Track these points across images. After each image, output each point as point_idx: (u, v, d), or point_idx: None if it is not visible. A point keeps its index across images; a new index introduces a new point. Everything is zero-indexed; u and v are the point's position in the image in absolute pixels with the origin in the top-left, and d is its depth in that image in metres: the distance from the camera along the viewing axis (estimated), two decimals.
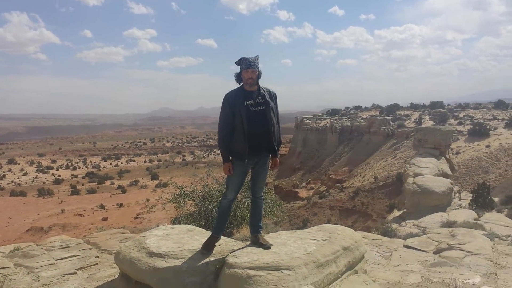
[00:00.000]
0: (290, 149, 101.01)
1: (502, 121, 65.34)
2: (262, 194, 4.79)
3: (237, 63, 4.43)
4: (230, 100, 4.37)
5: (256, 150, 4.41)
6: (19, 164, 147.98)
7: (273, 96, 4.56)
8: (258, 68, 4.37)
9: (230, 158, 4.43)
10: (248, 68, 4.32)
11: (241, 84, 4.46)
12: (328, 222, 41.76)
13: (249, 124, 4.30)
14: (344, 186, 59.46)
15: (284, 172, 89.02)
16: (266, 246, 4.45)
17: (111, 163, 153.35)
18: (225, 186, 4.76)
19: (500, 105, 79.85)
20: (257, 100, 4.40)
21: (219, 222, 4.70)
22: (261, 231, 4.70)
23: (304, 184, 75.55)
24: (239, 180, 4.59)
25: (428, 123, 68.03)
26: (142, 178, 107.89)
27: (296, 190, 68.39)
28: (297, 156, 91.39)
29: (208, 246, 4.51)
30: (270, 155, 4.60)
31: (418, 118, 75.08)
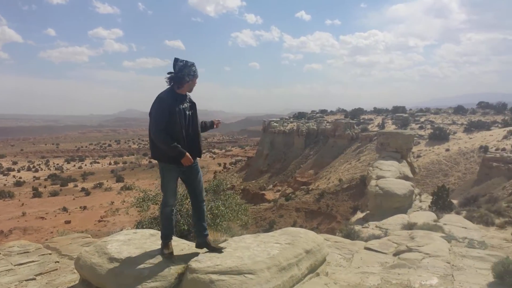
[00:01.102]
0: (257, 151, 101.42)
1: (461, 126, 67.78)
2: (204, 197, 4.77)
3: (182, 67, 4.29)
4: (169, 102, 4.26)
5: (190, 153, 4.38)
6: None
7: (193, 99, 4.59)
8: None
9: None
10: (196, 78, 4.39)
11: (172, 85, 4.36)
12: (294, 224, 42.16)
13: (186, 128, 4.34)
14: (310, 188, 60.22)
15: (251, 174, 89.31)
16: (219, 250, 4.48)
17: (74, 165, 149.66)
18: (163, 194, 4.65)
19: (459, 110, 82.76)
20: (188, 104, 4.43)
21: (167, 229, 4.61)
22: (208, 234, 4.72)
23: (271, 186, 75.96)
24: (175, 185, 4.59)
25: (390, 127, 69.86)
26: (107, 181, 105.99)
27: (263, 192, 68.70)
28: (264, 159, 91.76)
29: (167, 251, 4.48)
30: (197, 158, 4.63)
31: (381, 122, 76.99)
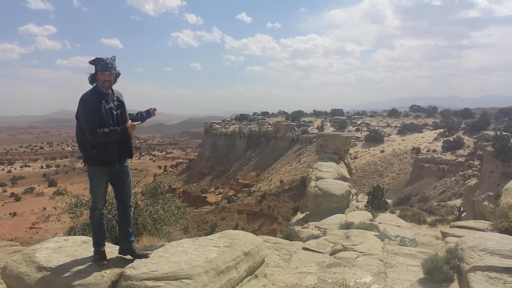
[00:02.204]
0: (199, 154, 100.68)
1: (395, 128, 71.12)
2: (131, 202, 4.66)
3: (92, 63, 4.17)
4: (93, 102, 4.09)
5: (120, 156, 4.29)
6: None
7: (122, 97, 4.41)
8: (116, 70, 4.20)
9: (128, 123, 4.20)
10: (105, 71, 4.11)
11: (95, 85, 4.22)
12: (236, 226, 42.26)
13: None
14: (252, 190, 60.60)
15: (193, 177, 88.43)
16: (146, 256, 4.40)
17: (3, 169, 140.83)
18: (92, 197, 4.50)
19: (393, 113, 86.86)
20: (115, 102, 4.26)
21: (97, 234, 4.43)
22: (133, 241, 4.62)
23: (213, 189, 75.64)
24: (105, 188, 4.43)
25: (329, 129, 71.94)
26: (39, 185, 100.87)
27: (205, 195, 68.28)
28: (206, 161, 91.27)
29: (100, 258, 4.31)
30: (129, 160, 4.52)
31: (320, 124, 79.09)
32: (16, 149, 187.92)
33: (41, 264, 4.27)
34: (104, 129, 4.04)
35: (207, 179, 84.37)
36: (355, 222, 13.92)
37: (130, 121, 4.21)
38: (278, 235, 12.83)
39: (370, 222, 13.91)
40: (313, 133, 69.41)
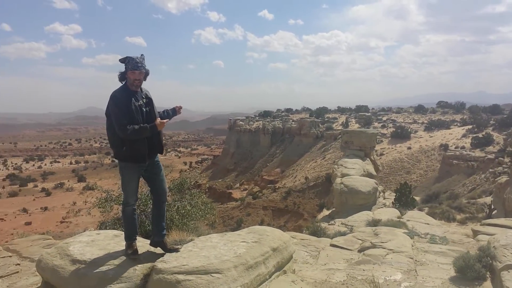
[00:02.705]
0: (223, 150, 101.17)
1: (422, 125, 69.82)
2: (166, 197, 4.71)
3: (122, 61, 4.23)
4: (123, 99, 4.16)
5: (150, 152, 4.35)
6: None
7: (150, 94, 4.48)
8: (145, 69, 4.26)
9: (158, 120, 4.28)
10: (135, 70, 4.17)
11: (124, 82, 4.29)
12: (262, 222, 42.34)
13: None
14: (277, 186, 60.60)
15: (218, 173, 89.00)
16: (176, 250, 4.46)
17: (34, 165, 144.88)
18: (123, 193, 4.55)
19: (419, 109, 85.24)
20: (144, 100, 4.32)
21: (129, 229, 4.51)
22: (165, 235, 4.67)
23: (237, 185, 75.95)
24: (136, 184, 4.50)
25: (354, 125, 71.18)
26: (68, 180, 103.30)
27: (230, 191, 68.61)
28: (230, 157, 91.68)
29: (132, 252, 4.39)
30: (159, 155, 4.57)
31: (345, 121, 78.28)
32: (45, 146, 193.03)
33: (75, 257, 4.36)
34: (134, 126, 4.10)
35: (232, 175, 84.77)
36: (383, 219, 13.75)
37: (159, 118, 4.29)
38: (304, 231, 12.80)
39: (398, 219, 13.73)
40: (338, 130, 68.77)
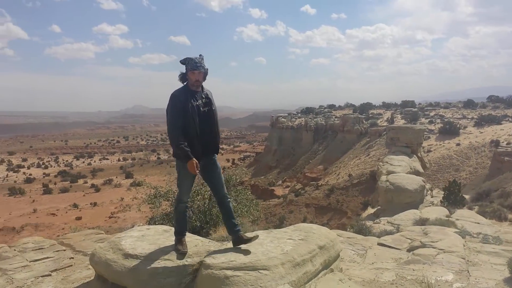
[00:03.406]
0: (265, 147, 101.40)
1: (471, 120, 67.13)
2: (226, 192, 4.70)
3: (182, 62, 4.33)
4: (182, 99, 4.27)
5: (205, 151, 4.40)
6: None
7: (211, 95, 4.52)
8: (204, 69, 4.32)
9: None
10: (194, 70, 4.25)
11: (185, 83, 4.39)
12: (304, 219, 42.16)
13: (200, 125, 4.29)
14: (319, 184, 60.13)
15: (260, 170, 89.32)
16: (254, 239, 4.45)
17: (83, 162, 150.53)
18: (178, 190, 4.68)
19: (469, 104, 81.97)
20: (204, 100, 4.38)
21: (180, 225, 4.63)
22: (240, 230, 4.59)
23: (280, 182, 75.98)
24: (191, 182, 4.59)
25: (400, 121, 69.39)
26: (116, 177, 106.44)
27: (272, 188, 68.72)
28: (272, 154, 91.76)
29: (181, 247, 4.48)
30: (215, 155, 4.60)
31: (390, 117, 76.44)
32: (95, 143, 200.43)
33: (127, 252, 4.49)
34: (182, 139, 4.21)
35: (274, 172, 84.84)
36: (431, 218, 13.38)
37: (195, 163, 4.20)
38: (348, 229, 12.63)
39: (447, 218, 13.32)
40: (383, 126, 67.24)
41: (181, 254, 4.39)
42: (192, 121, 4.24)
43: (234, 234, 4.52)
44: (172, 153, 4.52)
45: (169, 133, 4.31)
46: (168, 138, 4.39)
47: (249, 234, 4.54)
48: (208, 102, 4.43)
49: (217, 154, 4.60)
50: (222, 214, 4.73)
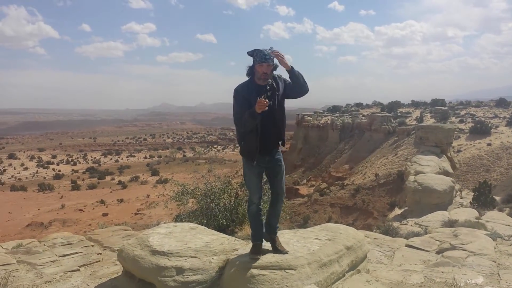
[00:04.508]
0: (291, 145, 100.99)
1: (503, 120, 65.26)
2: (284, 195, 4.49)
3: (250, 54, 4.02)
4: (243, 93, 4.01)
5: (270, 147, 4.14)
6: (19, 159, 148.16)
7: (280, 80, 4.16)
8: (273, 62, 3.98)
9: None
10: (263, 62, 3.92)
11: (249, 77, 4.11)
12: (329, 219, 41.87)
13: (263, 121, 3.95)
14: (345, 183, 59.51)
15: (285, 169, 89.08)
16: (283, 252, 4.25)
17: (111, 159, 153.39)
18: (248, 191, 4.48)
19: (501, 103, 79.64)
20: (269, 93, 4.01)
21: (255, 229, 4.36)
22: (277, 232, 4.48)
23: (304, 181, 75.63)
24: (258, 180, 4.28)
25: (429, 120, 67.99)
26: (143, 174, 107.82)
27: (297, 187, 68.44)
28: (298, 153, 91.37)
29: (255, 252, 4.26)
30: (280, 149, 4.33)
31: (419, 115, 74.93)
32: (122, 140, 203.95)
33: (154, 248, 4.55)
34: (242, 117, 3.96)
35: (299, 171, 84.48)
36: (460, 220, 13.13)
37: (263, 101, 3.76)
38: (375, 230, 12.49)
39: (477, 220, 13.04)
40: (411, 125, 65.97)
41: (252, 259, 4.17)
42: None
43: (270, 233, 4.40)
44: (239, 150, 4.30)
45: (235, 125, 4.10)
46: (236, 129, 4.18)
47: (280, 247, 4.31)
48: (273, 94, 4.05)
49: (283, 146, 4.32)
50: (269, 212, 4.47)
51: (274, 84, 4.10)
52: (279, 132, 4.19)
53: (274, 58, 3.98)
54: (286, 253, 4.23)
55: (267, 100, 3.76)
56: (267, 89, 4.03)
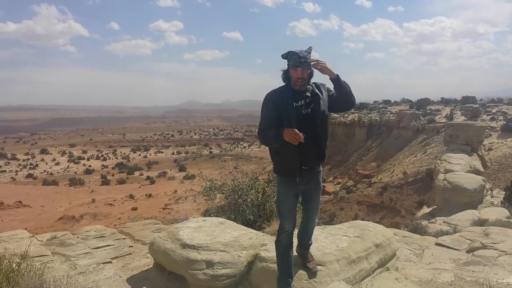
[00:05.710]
0: None
1: None
2: (317, 219, 4.07)
3: (284, 57, 3.48)
4: (275, 98, 3.47)
5: (307, 163, 3.56)
6: (51, 154, 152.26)
7: (324, 88, 3.62)
8: (310, 66, 3.41)
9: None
10: (297, 67, 3.38)
11: (286, 82, 3.56)
12: (356, 217, 41.49)
13: (298, 130, 3.27)
14: (372, 181, 58.85)
15: None
16: (312, 271, 3.91)
17: (140, 154, 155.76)
18: (278, 215, 3.87)
19: None
20: (307, 99, 3.50)
21: (283, 265, 3.72)
22: (309, 249, 4.11)
23: (331, 178, 75.10)
24: (293, 203, 3.70)
25: (459, 118, 66.44)
26: (170, 170, 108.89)
27: (323, 184, 67.87)
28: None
29: None
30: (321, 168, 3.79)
31: (449, 113, 73.27)
32: (150, 137, 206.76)
33: (184, 242, 4.65)
34: (268, 130, 3.43)
35: (325, 168, 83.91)
36: (490, 219, 12.83)
37: (295, 130, 3.23)
38: (402, 228, 12.34)
39: (508, 220, 12.74)
40: (441, 123, 64.59)
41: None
42: (288, 126, 3.32)
43: (302, 249, 4.08)
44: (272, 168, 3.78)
45: (260, 136, 3.55)
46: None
47: (310, 265, 3.94)
48: (311, 101, 3.50)
49: (323, 161, 3.75)
50: (300, 231, 4.03)
51: (317, 91, 3.56)
52: (320, 144, 3.61)
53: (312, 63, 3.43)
54: (316, 271, 3.91)
55: (303, 135, 3.22)
56: (306, 95, 3.50)
